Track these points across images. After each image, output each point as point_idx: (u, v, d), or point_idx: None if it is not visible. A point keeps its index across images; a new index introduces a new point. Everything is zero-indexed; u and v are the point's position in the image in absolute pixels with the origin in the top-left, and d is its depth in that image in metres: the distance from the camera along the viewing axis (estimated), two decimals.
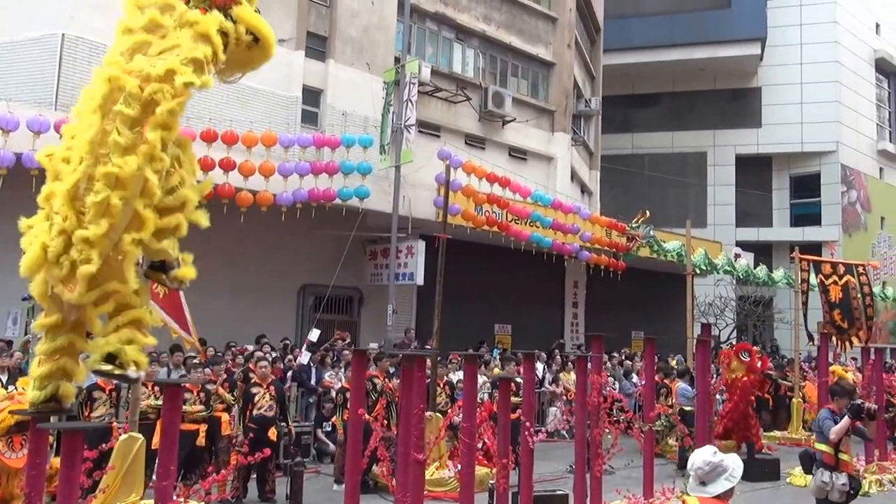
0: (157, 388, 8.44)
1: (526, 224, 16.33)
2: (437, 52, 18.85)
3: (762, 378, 13.75)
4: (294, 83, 15.31)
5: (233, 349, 12.53)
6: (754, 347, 12.90)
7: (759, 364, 11.45)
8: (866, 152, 31.57)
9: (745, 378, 11.09)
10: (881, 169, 32.61)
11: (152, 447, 7.22)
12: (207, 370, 9.29)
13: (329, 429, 10.85)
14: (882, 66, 32.93)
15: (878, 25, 33.33)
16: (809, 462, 6.55)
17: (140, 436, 6.96)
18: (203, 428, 8.74)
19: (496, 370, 12.10)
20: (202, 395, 8.80)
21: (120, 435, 6.93)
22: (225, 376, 9.56)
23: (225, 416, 9.04)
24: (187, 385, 8.39)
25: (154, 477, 6.00)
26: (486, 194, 15.34)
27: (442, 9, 18.71)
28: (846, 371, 14.36)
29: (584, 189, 24.48)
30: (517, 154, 20.33)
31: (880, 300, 22.92)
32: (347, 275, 14.48)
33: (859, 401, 6.67)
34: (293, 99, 15.23)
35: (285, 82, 15.12)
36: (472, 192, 15.11)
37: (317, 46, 16.03)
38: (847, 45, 30.90)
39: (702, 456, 3.60)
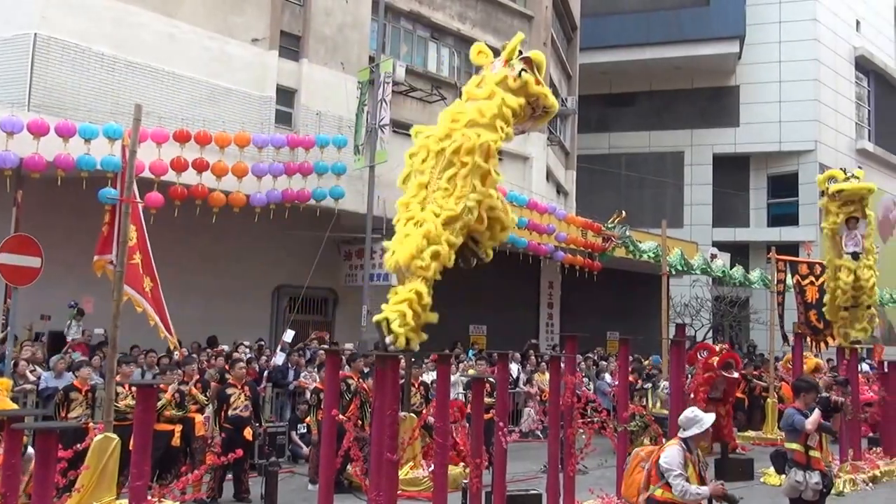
0: (134, 389, 8.41)
1: None
2: (411, 51, 18.83)
3: (735, 379, 13.90)
4: (268, 83, 15.21)
5: (208, 350, 12.46)
6: (718, 346, 13.10)
7: (714, 362, 11.56)
8: (845, 151, 31.39)
9: (703, 376, 11.25)
10: (860, 168, 32.79)
11: (130, 448, 7.19)
12: (178, 371, 9.23)
13: (304, 430, 10.81)
14: (862, 64, 32.85)
15: (858, 22, 33.27)
16: (782, 462, 6.53)
17: (115, 436, 6.94)
18: (178, 428, 8.71)
19: (471, 370, 12.11)
20: (177, 395, 8.76)
21: (95, 435, 6.88)
22: (198, 376, 9.52)
23: (199, 417, 8.99)
24: (161, 385, 8.36)
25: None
26: None
27: (416, 7, 18.69)
28: (814, 355, 14.58)
29: (559, 189, 24.54)
30: None
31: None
32: (322, 276, 14.43)
33: (826, 394, 6.74)
34: (267, 99, 15.13)
35: (259, 82, 15.04)
36: None
37: (290, 46, 15.94)
38: (827, 42, 30.83)
39: (685, 412, 5.56)
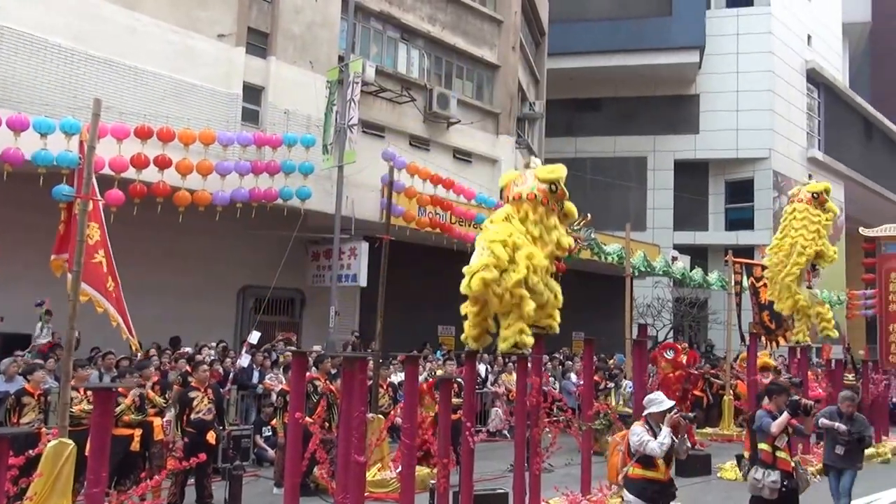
0: (89, 393, 8.17)
1: (470, 226, 16.38)
2: (381, 52, 18.78)
3: (696, 376, 14.30)
4: (234, 80, 15.01)
5: (168, 351, 12.24)
6: (679, 345, 13.42)
7: (683, 360, 11.89)
8: (797, 159, 32.62)
9: (672, 374, 11.51)
10: (810, 175, 33.75)
11: (86, 453, 6.98)
12: (137, 375, 9.03)
13: (269, 433, 10.66)
14: (813, 77, 34.06)
15: (809, 37, 34.61)
16: (751, 461, 6.66)
17: (70, 442, 6.71)
18: (137, 433, 8.51)
19: (439, 371, 12.11)
20: (136, 399, 8.57)
21: (49, 441, 6.67)
22: (156, 379, 9.33)
23: (157, 421, 8.81)
24: (120, 389, 8.16)
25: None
26: (431, 196, 15.31)
27: (387, 8, 18.65)
28: (767, 356, 14.96)
29: None
30: (462, 156, 20.42)
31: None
32: (289, 276, 14.27)
33: (796, 397, 6.85)
34: (233, 96, 14.93)
35: (225, 79, 14.83)
36: (416, 194, 15.07)
37: (258, 43, 15.76)
38: (780, 55, 31.92)
39: (649, 395, 6.27)
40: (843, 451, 7.77)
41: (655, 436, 5.84)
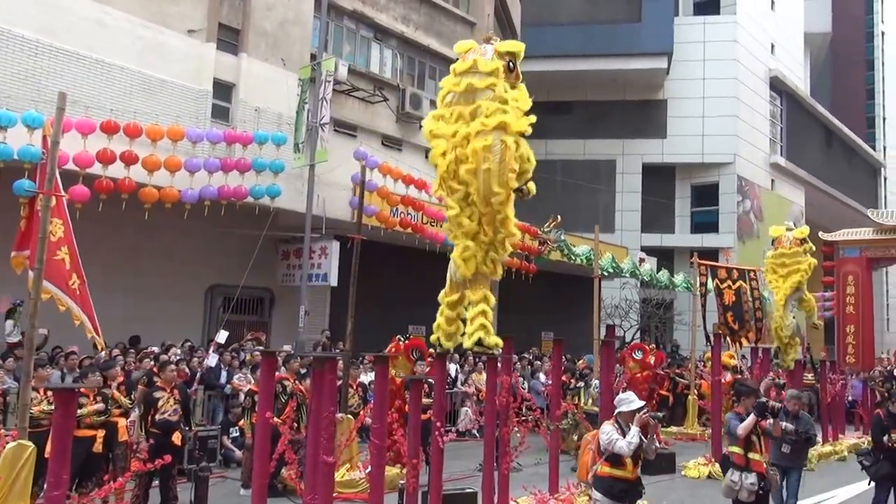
0: (49, 393, 7.98)
1: (441, 226, 16.43)
2: (354, 51, 18.72)
3: (662, 375, 14.55)
4: (204, 76, 14.82)
5: (132, 350, 12.06)
6: (647, 345, 13.67)
7: (651, 360, 12.10)
8: (760, 165, 33.31)
9: (639, 374, 11.69)
10: (773, 181, 34.58)
11: (46, 455, 6.83)
12: (98, 376, 8.85)
13: (236, 434, 10.55)
14: (776, 85, 34.86)
15: (773, 46, 35.42)
16: (727, 464, 6.65)
17: (30, 444, 6.54)
18: (100, 434, 8.34)
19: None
20: (99, 398, 8.40)
21: (7, 443, 6.51)
22: (122, 378, 9.17)
23: (122, 422, 8.65)
24: (82, 390, 7.99)
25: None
26: (402, 196, 15.34)
27: (360, 7, 18.59)
28: (730, 358, 15.28)
29: None
30: None
31: (768, 303, 24.26)
32: (258, 275, 14.14)
33: (764, 399, 6.84)
34: (203, 93, 14.74)
35: (195, 75, 14.64)
36: (388, 194, 15.07)
37: (229, 39, 15.59)
38: (745, 63, 32.56)
39: (620, 395, 6.36)
40: (789, 450, 7.69)
41: (625, 435, 5.89)
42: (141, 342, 12.83)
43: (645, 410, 6.06)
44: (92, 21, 13.37)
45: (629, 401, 6.12)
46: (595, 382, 12.19)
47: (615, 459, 5.89)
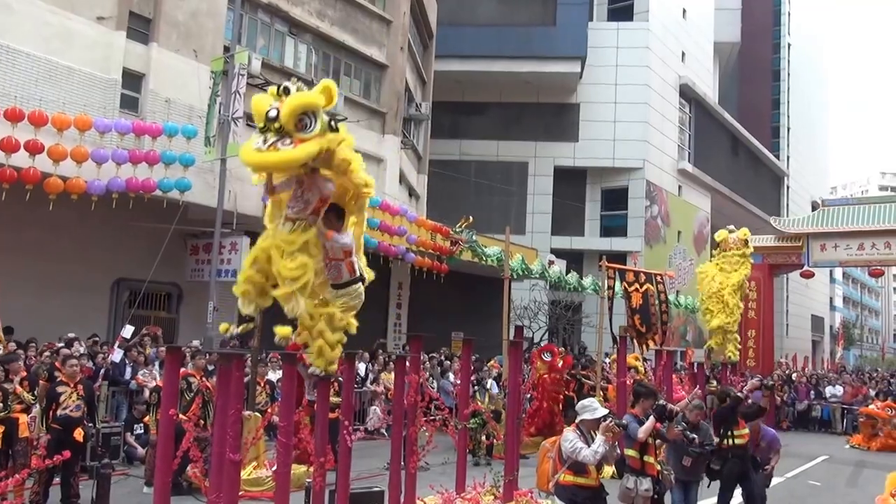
0: None
1: None
2: (268, 45, 18.52)
3: (568, 378, 15.06)
4: (113, 65, 14.37)
5: (34, 345, 11.61)
6: (558, 349, 14.11)
7: (560, 364, 12.55)
8: (668, 170, 34.38)
9: (547, 376, 12.12)
10: (680, 187, 35.71)
11: None
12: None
13: (140, 431, 10.39)
14: (685, 92, 36.02)
15: (683, 54, 36.52)
16: (622, 467, 6.52)
17: None
18: None
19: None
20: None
21: None
22: (24, 374, 8.90)
23: (23, 418, 8.43)
24: None
25: None
26: None
27: (275, 0, 18.40)
28: (636, 359, 15.98)
29: (411, 192, 25.02)
30: None
31: (674, 307, 25.33)
32: (166, 270, 13.89)
33: (663, 402, 6.83)
34: (112, 82, 14.29)
35: (103, 63, 14.18)
36: None
37: (140, 28, 15.14)
38: (656, 69, 33.45)
39: (583, 402, 6.26)
40: (689, 464, 7.18)
41: (587, 442, 5.81)
42: (14, 333, 12.19)
43: (609, 419, 5.93)
44: None
45: (592, 408, 6.02)
46: (491, 382, 12.64)
47: (578, 467, 5.82)
